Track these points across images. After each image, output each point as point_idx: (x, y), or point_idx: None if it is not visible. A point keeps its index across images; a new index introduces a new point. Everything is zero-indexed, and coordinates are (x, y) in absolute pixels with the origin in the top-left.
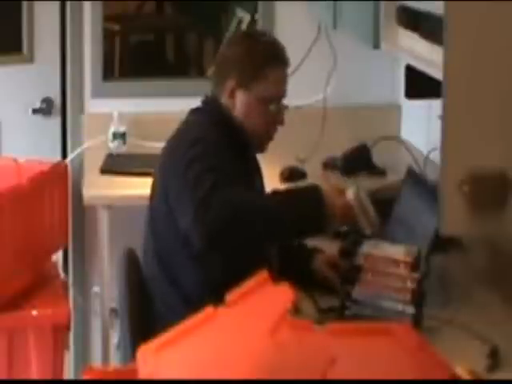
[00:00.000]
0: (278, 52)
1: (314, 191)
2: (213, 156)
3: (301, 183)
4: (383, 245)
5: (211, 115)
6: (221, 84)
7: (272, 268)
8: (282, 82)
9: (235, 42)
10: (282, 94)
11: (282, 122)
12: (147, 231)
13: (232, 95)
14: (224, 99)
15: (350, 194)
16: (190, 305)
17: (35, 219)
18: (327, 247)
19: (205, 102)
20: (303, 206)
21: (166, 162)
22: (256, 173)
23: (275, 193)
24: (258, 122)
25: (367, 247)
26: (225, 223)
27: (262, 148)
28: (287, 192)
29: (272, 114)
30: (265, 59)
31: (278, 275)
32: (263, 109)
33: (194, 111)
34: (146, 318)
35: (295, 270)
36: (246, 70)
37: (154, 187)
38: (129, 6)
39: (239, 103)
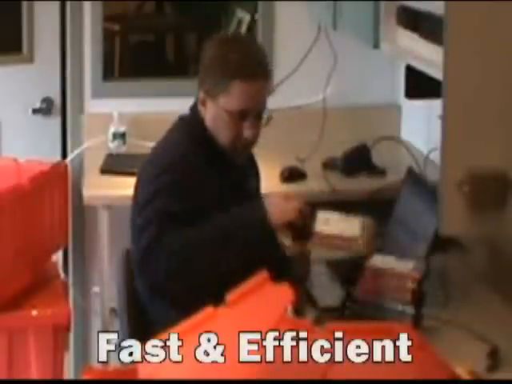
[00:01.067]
0: (248, 64)
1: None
2: (177, 189)
3: (302, 184)
4: (390, 259)
5: (190, 126)
6: (197, 91)
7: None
8: (249, 97)
9: (210, 47)
10: (251, 108)
11: (253, 137)
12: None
13: (203, 104)
14: (199, 106)
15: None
16: (177, 310)
17: (35, 219)
18: None
19: (191, 109)
20: (247, 228)
21: (139, 183)
22: (246, 177)
23: (217, 223)
24: (225, 134)
25: (374, 261)
26: (166, 276)
27: (236, 158)
28: (231, 220)
29: (241, 127)
30: (231, 72)
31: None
32: (230, 121)
33: (181, 119)
34: (145, 317)
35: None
36: (214, 80)
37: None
38: (129, 6)
39: (208, 113)
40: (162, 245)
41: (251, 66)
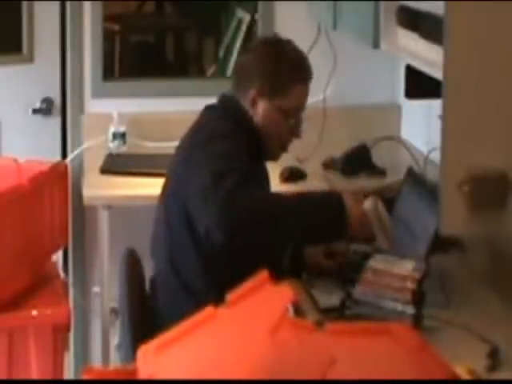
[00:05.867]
0: (304, 67)
1: (337, 198)
2: (235, 151)
3: (302, 184)
4: (390, 259)
5: (230, 114)
6: (242, 89)
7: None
8: (303, 96)
9: (260, 50)
10: (302, 107)
11: (298, 135)
12: (158, 231)
13: (253, 103)
14: (245, 105)
15: (368, 205)
16: (200, 306)
17: (35, 219)
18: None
19: (222, 101)
20: (326, 212)
21: (184, 160)
22: (265, 177)
23: (298, 194)
24: (275, 132)
25: (374, 262)
26: (248, 222)
27: (275, 157)
28: (310, 194)
29: (290, 126)
30: (291, 75)
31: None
32: (282, 120)
33: (210, 108)
34: (146, 317)
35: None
36: (271, 82)
37: (165, 188)
38: (129, 6)
39: (259, 111)
40: (241, 193)
41: (309, 68)
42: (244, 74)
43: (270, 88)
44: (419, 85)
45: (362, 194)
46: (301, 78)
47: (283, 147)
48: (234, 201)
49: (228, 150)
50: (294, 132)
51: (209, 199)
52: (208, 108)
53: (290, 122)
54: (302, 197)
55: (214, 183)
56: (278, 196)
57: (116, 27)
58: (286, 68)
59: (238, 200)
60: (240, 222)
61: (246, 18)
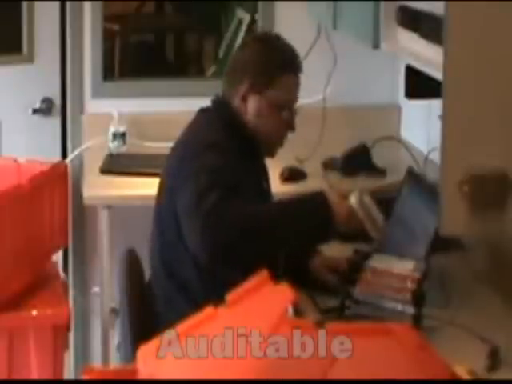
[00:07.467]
0: (292, 59)
1: (322, 200)
2: (222, 165)
3: (302, 184)
4: (390, 259)
5: (222, 117)
6: (233, 87)
7: (273, 264)
8: (294, 88)
9: (249, 46)
10: (294, 100)
11: (293, 128)
12: (154, 232)
13: (244, 99)
14: (236, 102)
15: (353, 199)
16: (196, 308)
17: (35, 219)
18: (334, 250)
19: (215, 103)
20: (313, 217)
21: (176, 167)
22: (263, 174)
23: (281, 203)
24: (269, 127)
25: (374, 262)
26: (232, 242)
27: (272, 153)
28: (293, 201)
29: (283, 120)
30: (279, 67)
31: (278, 271)
32: (275, 114)
33: (203, 111)
34: (146, 317)
35: (294, 268)
36: (260, 76)
37: (161, 188)
38: (129, 6)
39: (251, 107)
40: (222, 212)
41: (295, 60)
42: (234, 70)
43: (259, 81)
44: (419, 85)
45: (346, 190)
46: (289, 69)
47: (279, 142)
48: (215, 222)
49: (216, 163)
50: (288, 125)
51: (193, 219)
52: (202, 110)
53: (283, 116)
54: (287, 205)
55: (196, 203)
56: (263, 209)
57: (116, 27)
58: (273, 60)
59: (220, 220)
60: (224, 243)
61: (246, 17)
